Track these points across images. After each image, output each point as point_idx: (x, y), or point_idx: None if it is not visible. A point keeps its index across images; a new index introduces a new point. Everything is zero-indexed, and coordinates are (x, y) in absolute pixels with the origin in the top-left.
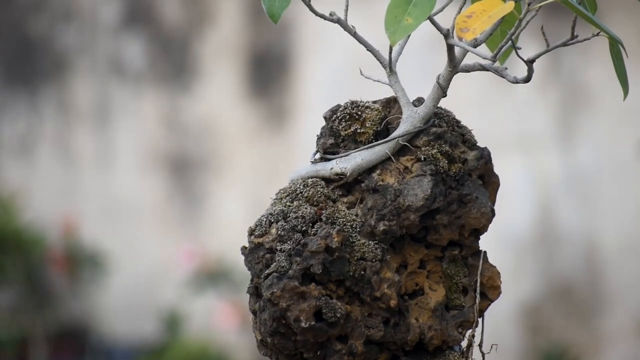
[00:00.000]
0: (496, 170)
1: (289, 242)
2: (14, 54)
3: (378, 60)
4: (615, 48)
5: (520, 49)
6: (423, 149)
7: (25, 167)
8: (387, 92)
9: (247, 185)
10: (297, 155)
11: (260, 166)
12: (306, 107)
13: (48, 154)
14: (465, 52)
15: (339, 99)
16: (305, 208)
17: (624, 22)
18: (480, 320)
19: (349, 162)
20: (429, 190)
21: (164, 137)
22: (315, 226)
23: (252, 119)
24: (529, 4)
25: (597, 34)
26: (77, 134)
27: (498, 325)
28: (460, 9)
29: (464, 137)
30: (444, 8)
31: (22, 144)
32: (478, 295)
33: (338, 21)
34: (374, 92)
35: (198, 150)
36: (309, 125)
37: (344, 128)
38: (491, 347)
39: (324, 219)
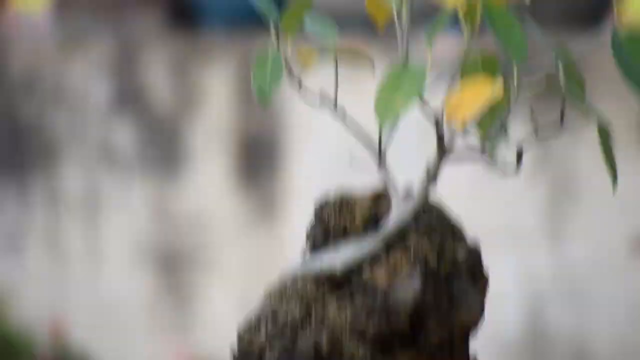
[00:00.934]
0: (486, 265)
1: (277, 345)
2: (1, 140)
3: (368, 150)
4: (605, 137)
5: (510, 136)
6: (413, 243)
7: (13, 264)
8: (377, 182)
9: (237, 280)
10: (287, 247)
11: (250, 259)
12: (296, 195)
13: (37, 250)
14: (454, 144)
15: (329, 185)
16: (294, 307)
17: (615, 110)
18: None
19: (338, 258)
20: (419, 289)
21: (153, 230)
22: (305, 325)
23: (242, 209)
24: (518, 87)
25: (588, 122)
26: (67, 227)
27: None
28: (450, 94)
29: (454, 231)
30: (432, 91)
31: (10, 239)
32: None
33: (327, 106)
34: (364, 179)
35: (187, 243)
36: (299, 214)
37: (333, 222)
38: None
39: (313, 318)
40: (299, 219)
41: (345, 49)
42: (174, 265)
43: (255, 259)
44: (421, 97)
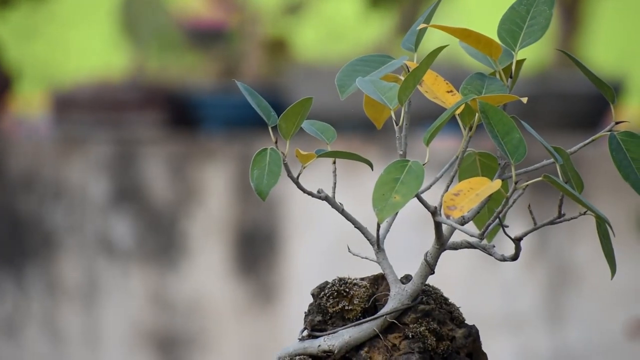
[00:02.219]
0: (484, 348)
1: None
2: (1, 233)
3: (366, 237)
4: (603, 227)
5: (507, 227)
6: (411, 326)
7: (12, 349)
8: (375, 270)
9: None
10: (285, 333)
11: (248, 344)
12: (294, 284)
13: (35, 334)
14: (452, 230)
15: (327, 275)
16: None
17: (611, 201)
18: None
19: (336, 339)
20: None
21: (152, 316)
22: None
23: (240, 296)
24: (515, 183)
25: (584, 213)
26: (65, 314)
27: None
28: (448, 187)
29: (452, 315)
30: (431, 186)
31: (9, 324)
32: None
33: (326, 198)
34: (362, 269)
35: (185, 328)
36: (296, 302)
37: (331, 305)
38: None
39: None
40: (297, 305)
41: (343, 152)
42: (172, 349)
43: (253, 344)
44: (419, 194)
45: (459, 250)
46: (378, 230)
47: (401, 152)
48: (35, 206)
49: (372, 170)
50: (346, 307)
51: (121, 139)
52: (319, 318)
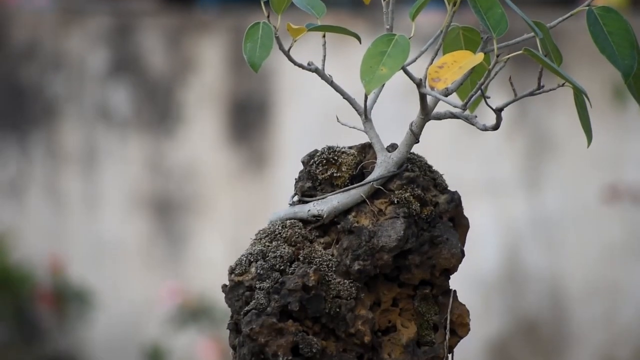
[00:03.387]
0: (466, 213)
1: (267, 280)
2: (5, 101)
3: (354, 108)
4: (580, 98)
5: (489, 98)
6: (396, 192)
7: (15, 209)
8: (363, 139)
9: (228, 226)
10: (276, 198)
11: (241, 208)
12: (285, 152)
13: (37, 197)
14: (437, 101)
15: (316, 144)
16: (284, 248)
17: (588, 73)
18: (450, 356)
19: (325, 204)
20: (402, 232)
21: (148, 180)
22: (293, 265)
23: (233, 163)
24: (497, 56)
25: (562, 85)
26: (65, 178)
27: None
28: (432, 60)
29: (436, 182)
30: (416, 59)
31: (12, 187)
32: (448, 332)
33: (316, 70)
34: (350, 138)
35: (181, 193)
36: (287, 169)
37: (321, 172)
38: None
39: (301, 258)
40: (288, 172)
41: (332, 26)
42: (167, 211)
43: (245, 207)
44: (405, 67)
45: (443, 120)
46: (365, 101)
47: (388, 27)
48: (36, 76)
49: (360, 43)
50: (335, 174)
51: (119, 11)
52: (308, 184)
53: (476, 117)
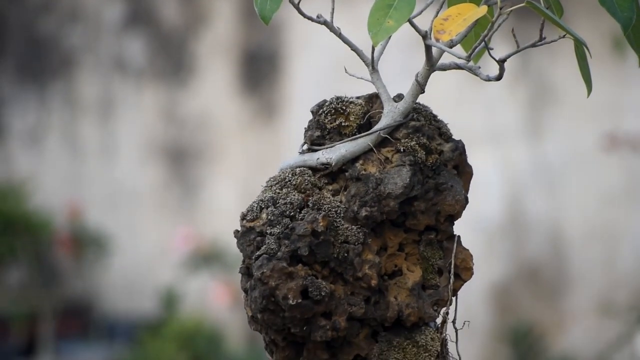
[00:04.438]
0: (469, 161)
1: (278, 226)
2: (24, 52)
3: (361, 59)
4: (580, 49)
5: (492, 49)
6: (402, 141)
7: (34, 156)
8: (370, 89)
9: (239, 174)
10: (286, 147)
11: (252, 156)
12: (294, 102)
13: (55, 144)
14: (441, 52)
15: (324, 95)
16: (294, 195)
17: (589, 25)
18: (454, 299)
19: (334, 152)
20: (408, 179)
21: (163, 129)
22: (303, 212)
23: (244, 113)
24: (500, 8)
25: (564, 36)
26: (83, 126)
27: (470, 304)
28: (438, 12)
29: (440, 131)
30: (422, 11)
31: (31, 135)
32: (452, 276)
33: (324, 23)
34: (358, 89)
35: (194, 141)
36: (297, 118)
37: (329, 121)
38: (464, 323)
39: (310, 205)
40: (297, 122)
41: None
42: (181, 159)
43: (256, 155)
44: (411, 19)
45: (447, 71)
46: (373, 52)
47: None
48: (54, 28)
49: None
50: (343, 124)
51: None
52: (317, 133)
53: (480, 68)
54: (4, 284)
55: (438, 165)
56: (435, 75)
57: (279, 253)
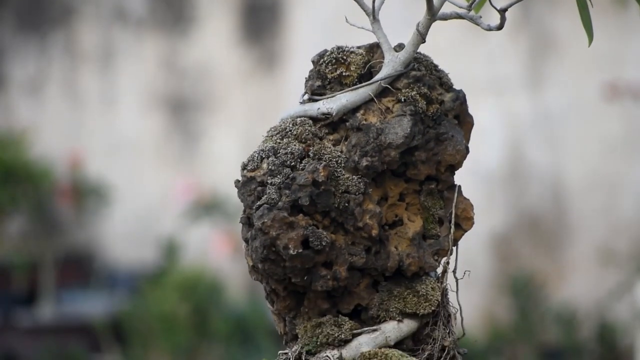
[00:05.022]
0: (470, 111)
1: (279, 176)
2: (24, 2)
3: (362, 8)
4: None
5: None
6: (403, 90)
7: (34, 106)
8: (371, 39)
9: (240, 123)
10: (287, 96)
11: (252, 106)
12: (295, 52)
13: (56, 94)
14: (442, 2)
15: (325, 45)
16: (294, 145)
17: None
18: (454, 248)
19: (334, 102)
20: (409, 129)
21: (163, 79)
22: (303, 162)
23: (245, 62)
24: None
25: None
26: (83, 76)
27: (471, 254)
28: None
29: (441, 80)
30: None
31: (32, 85)
32: (453, 226)
33: None
34: (359, 39)
35: (194, 91)
36: (297, 68)
37: (330, 71)
38: (464, 273)
39: (311, 155)
40: (298, 70)
41: None
42: (182, 109)
43: (257, 105)
44: None
45: (448, 20)
46: (373, 2)
47: None
48: None
49: None
50: (343, 73)
51: None
52: (318, 83)
53: (481, 17)
54: (5, 233)
55: (439, 115)
56: (436, 25)
57: (279, 203)
